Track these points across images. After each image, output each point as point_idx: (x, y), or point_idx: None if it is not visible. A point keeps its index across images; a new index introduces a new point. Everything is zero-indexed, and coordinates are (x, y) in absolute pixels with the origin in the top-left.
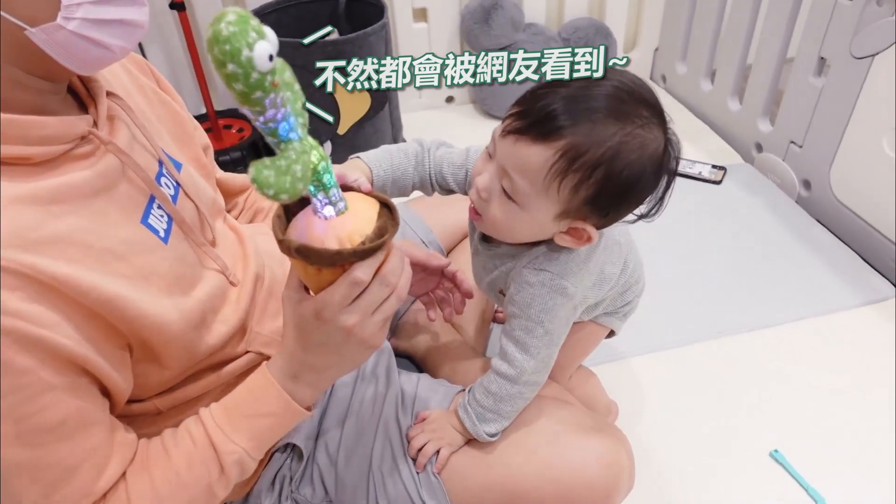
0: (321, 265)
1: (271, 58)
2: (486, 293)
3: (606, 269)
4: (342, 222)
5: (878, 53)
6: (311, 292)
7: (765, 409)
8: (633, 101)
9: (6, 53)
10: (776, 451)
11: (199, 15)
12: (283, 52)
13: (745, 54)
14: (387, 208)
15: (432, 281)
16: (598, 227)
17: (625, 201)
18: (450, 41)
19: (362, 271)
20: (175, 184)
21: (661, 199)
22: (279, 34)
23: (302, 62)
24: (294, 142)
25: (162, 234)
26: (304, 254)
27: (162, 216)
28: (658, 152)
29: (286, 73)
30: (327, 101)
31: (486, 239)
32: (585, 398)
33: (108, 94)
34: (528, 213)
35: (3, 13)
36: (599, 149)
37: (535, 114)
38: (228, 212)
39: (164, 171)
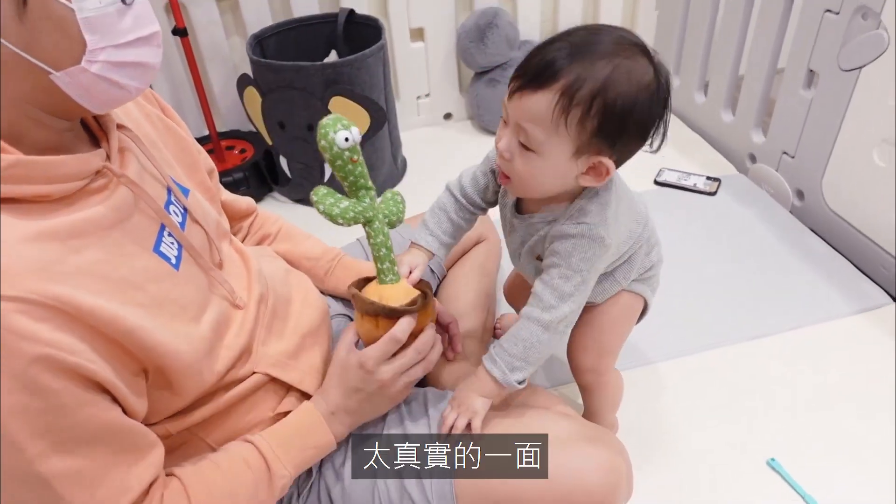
0: (361, 311)
1: (346, 139)
2: (523, 270)
3: (631, 227)
4: (388, 289)
5: (864, 66)
6: (362, 342)
7: (762, 417)
8: (617, 42)
9: (29, 95)
10: (773, 459)
11: (201, 40)
12: (284, 74)
13: (737, 66)
14: (425, 296)
15: None
16: (615, 162)
17: (627, 130)
18: (446, 60)
19: (400, 331)
20: (183, 210)
21: (660, 129)
22: (280, 57)
23: (302, 84)
24: (363, 200)
25: (173, 260)
26: (353, 297)
27: (172, 243)
28: (647, 79)
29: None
30: None
31: (519, 212)
32: (593, 411)
33: (118, 126)
34: (548, 158)
35: (30, 58)
36: (592, 82)
37: (532, 68)
38: (234, 234)
39: (173, 199)
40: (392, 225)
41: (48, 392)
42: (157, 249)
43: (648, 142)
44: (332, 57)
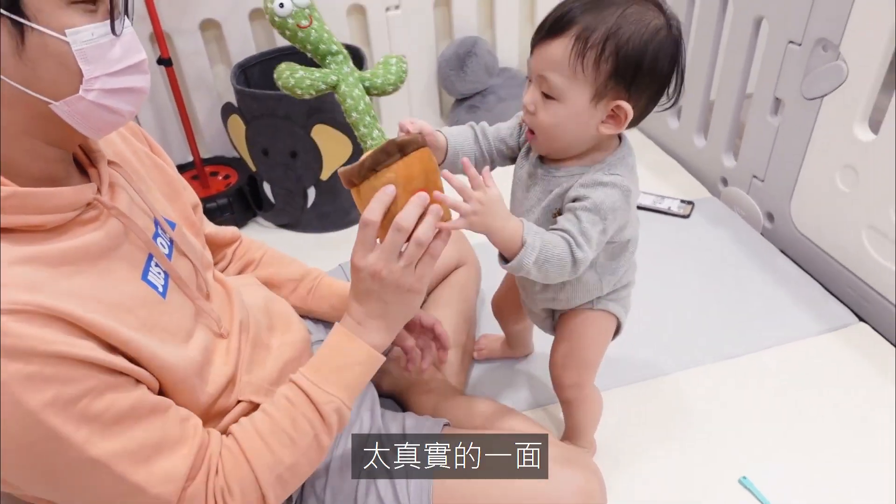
0: (348, 187)
1: (282, 5)
2: (538, 221)
3: (635, 214)
4: (366, 154)
5: (826, 95)
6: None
7: (733, 436)
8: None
9: (28, 127)
10: (745, 477)
11: (186, 69)
12: (268, 103)
13: (708, 92)
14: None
15: (413, 334)
16: (632, 108)
17: (640, 72)
18: (427, 87)
19: (369, 212)
20: (169, 242)
21: (675, 74)
22: (263, 86)
23: (285, 113)
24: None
25: (160, 289)
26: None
27: (159, 273)
28: (657, 23)
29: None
30: (310, 148)
31: (544, 163)
32: (575, 427)
33: (109, 162)
34: (569, 104)
35: (31, 92)
36: (604, 26)
37: (549, 22)
38: (217, 263)
39: (160, 231)
40: (378, 89)
41: (73, 381)
42: (144, 278)
43: (665, 92)
44: None
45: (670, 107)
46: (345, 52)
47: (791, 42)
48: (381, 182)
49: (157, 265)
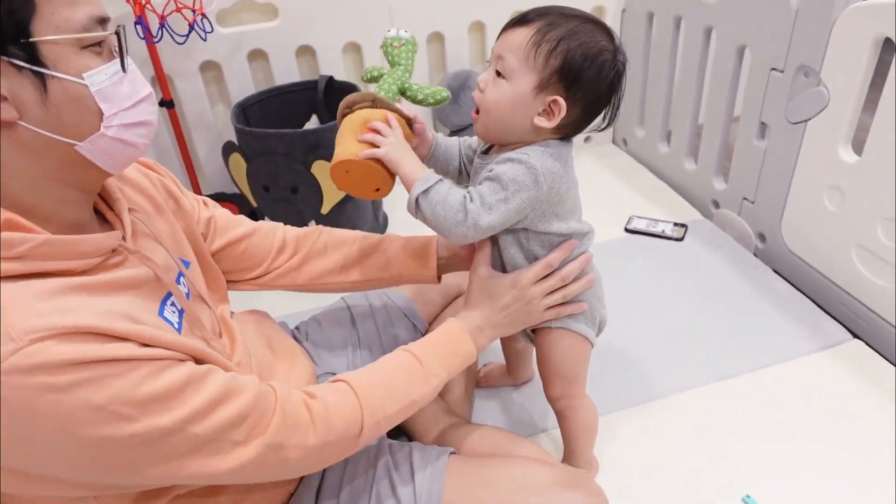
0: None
1: (389, 31)
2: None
3: (578, 216)
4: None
5: (809, 119)
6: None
7: (735, 456)
8: (588, 17)
9: (55, 171)
10: (748, 496)
11: (187, 110)
12: (267, 142)
13: (696, 117)
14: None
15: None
16: (567, 108)
17: (582, 78)
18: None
19: (553, 258)
20: (186, 284)
21: (612, 101)
22: (263, 123)
23: (284, 150)
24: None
25: (176, 325)
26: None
27: (174, 312)
28: (604, 47)
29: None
30: (310, 183)
31: (485, 155)
32: (571, 440)
33: (129, 209)
34: (515, 85)
35: (57, 136)
36: (563, 28)
37: (518, 15)
38: (260, 277)
39: (181, 272)
40: (409, 92)
41: (125, 374)
42: (161, 314)
43: (601, 112)
44: (314, 121)
45: (604, 128)
46: (411, 68)
47: (774, 69)
48: (351, 118)
49: (171, 304)
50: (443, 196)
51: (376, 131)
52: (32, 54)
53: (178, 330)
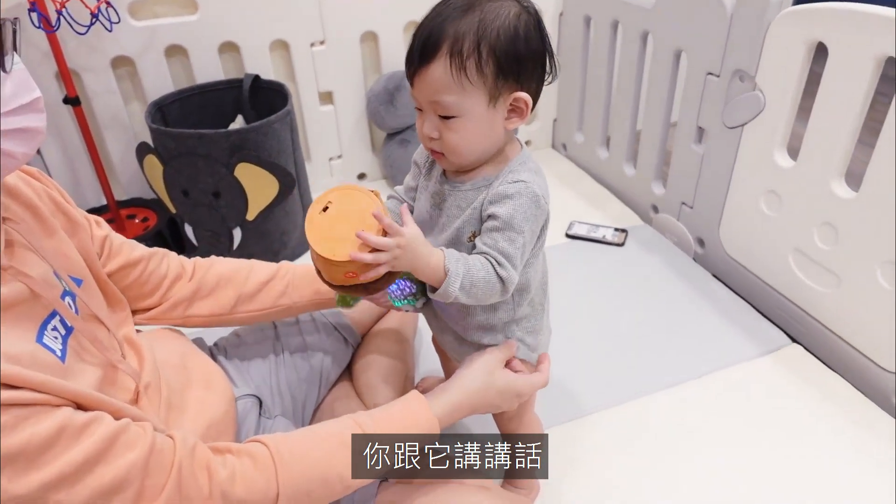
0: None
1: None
2: (450, 239)
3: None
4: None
5: (746, 123)
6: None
7: (683, 463)
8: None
9: None
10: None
11: (97, 108)
12: (186, 142)
13: (634, 123)
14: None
15: None
16: (530, 93)
17: (523, 61)
18: (357, 122)
19: (543, 376)
20: (76, 304)
21: (548, 54)
22: (182, 124)
23: (206, 151)
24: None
25: (59, 353)
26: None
27: (56, 337)
28: (516, 13)
29: None
30: (234, 187)
31: (449, 179)
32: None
33: (4, 219)
34: (469, 116)
35: None
36: (471, 31)
37: (417, 50)
38: (147, 310)
39: (67, 291)
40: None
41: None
42: (39, 340)
43: (545, 68)
44: (240, 122)
45: (552, 81)
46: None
47: (710, 73)
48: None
49: (54, 329)
50: (473, 277)
51: (363, 239)
52: None
53: (62, 358)
